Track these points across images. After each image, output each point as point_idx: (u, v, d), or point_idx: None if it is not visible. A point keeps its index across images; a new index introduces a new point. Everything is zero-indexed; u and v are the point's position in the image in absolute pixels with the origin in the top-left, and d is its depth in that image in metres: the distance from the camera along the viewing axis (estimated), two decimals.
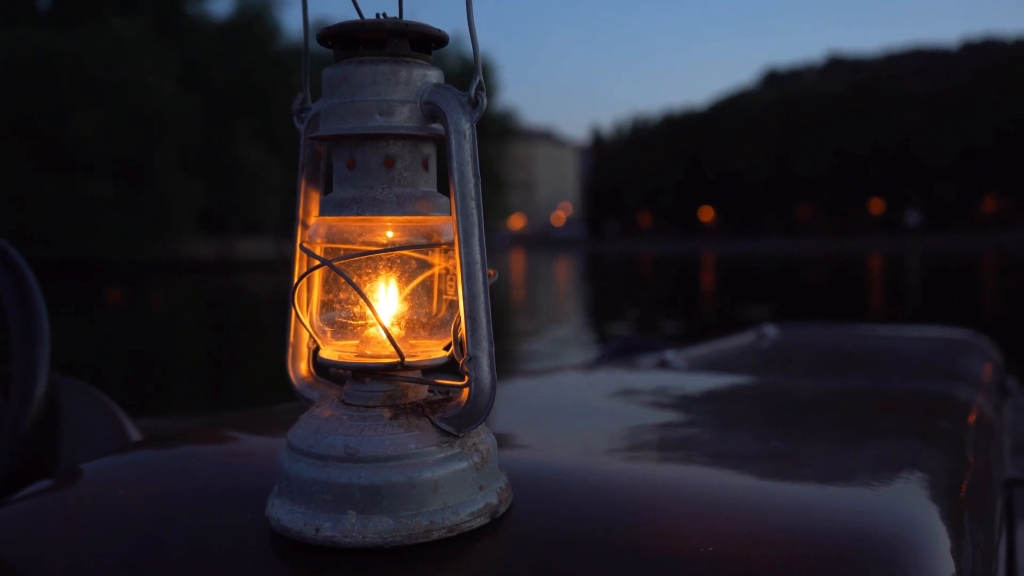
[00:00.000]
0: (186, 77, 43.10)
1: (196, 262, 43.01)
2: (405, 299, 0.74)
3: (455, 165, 0.69)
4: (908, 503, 0.83)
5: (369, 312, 0.72)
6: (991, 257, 42.90)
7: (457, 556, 0.68)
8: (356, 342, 0.75)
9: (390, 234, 0.73)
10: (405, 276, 0.74)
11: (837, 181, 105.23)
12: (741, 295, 22.13)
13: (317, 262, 0.73)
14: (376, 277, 0.73)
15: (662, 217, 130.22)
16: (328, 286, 0.75)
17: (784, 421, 1.28)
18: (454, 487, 0.70)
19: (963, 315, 13.39)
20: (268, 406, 1.42)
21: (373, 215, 0.71)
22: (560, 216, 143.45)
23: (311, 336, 0.80)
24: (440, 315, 0.75)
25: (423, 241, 0.72)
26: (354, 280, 0.71)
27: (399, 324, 0.74)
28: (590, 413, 1.33)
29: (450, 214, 0.71)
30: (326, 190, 0.78)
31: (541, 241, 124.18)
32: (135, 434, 1.23)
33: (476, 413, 0.71)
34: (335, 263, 0.72)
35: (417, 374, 0.75)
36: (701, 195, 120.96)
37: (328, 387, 0.81)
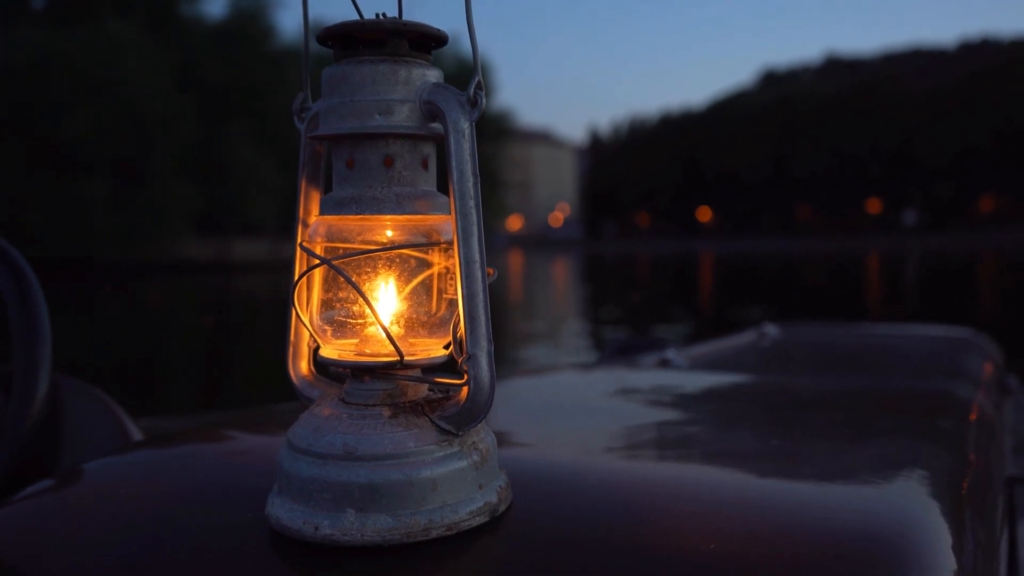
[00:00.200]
0: (181, 77, 43.06)
1: (192, 263, 42.91)
2: (404, 298, 0.74)
3: (454, 164, 0.69)
4: (909, 501, 0.83)
5: (369, 311, 0.72)
6: (989, 257, 42.92)
7: (456, 555, 0.68)
8: (356, 341, 0.75)
9: (389, 233, 0.73)
10: (404, 275, 0.74)
11: (835, 181, 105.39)
12: (740, 295, 22.13)
13: (317, 261, 0.73)
14: (376, 276, 0.73)
15: (660, 217, 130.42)
16: (328, 285, 0.75)
17: (785, 420, 1.28)
18: (453, 486, 0.70)
19: (963, 315, 13.39)
20: (268, 406, 1.41)
21: (372, 214, 0.72)
22: (558, 217, 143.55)
23: (311, 335, 0.80)
24: (439, 314, 0.75)
25: (422, 240, 0.72)
26: (354, 279, 0.71)
27: (398, 323, 0.74)
28: (591, 412, 1.33)
29: (449, 213, 0.71)
30: (326, 190, 0.78)
31: (539, 242, 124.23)
32: (136, 434, 1.23)
33: (475, 412, 0.71)
34: (335, 262, 0.72)
35: (416, 373, 0.75)
36: (699, 195, 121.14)
37: (328, 386, 0.81)
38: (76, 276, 27.66)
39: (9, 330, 1.09)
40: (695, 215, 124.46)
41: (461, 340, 0.71)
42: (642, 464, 0.97)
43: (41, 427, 1.07)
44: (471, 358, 0.70)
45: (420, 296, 0.74)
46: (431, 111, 0.71)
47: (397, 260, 0.73)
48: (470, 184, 0.70)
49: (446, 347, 0.75)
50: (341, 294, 0.74)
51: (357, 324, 0.74)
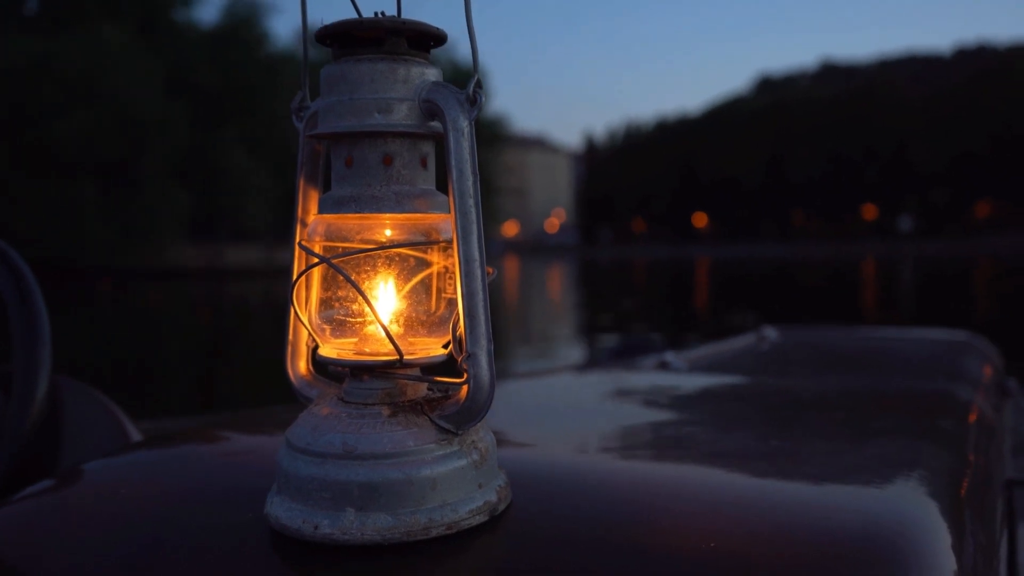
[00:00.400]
0: (173, 82, 42.87)
1: (184, 269, 42.77)
2: (404, 297, 0.74)
3: (453, 163, 0.69)
4: (909, 502, 0.83)
5: (368, 310, 0.72)
6: (985, 262, 42.96)
7: (456, 553, 0.68)
8: (355, 340, 0.74)
9: (388, 232, 0.72)
10: (404, 274, 0.73)
11: (831, 186, 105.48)
12: (737, 300, 22.15)
13: (316, 260, 0.73)
14: (375, 275, 0.73)
15: (656, 223, 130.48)
16: (327, 284, 0.75)
17: (784, 421, 1.27)
18: (453, 485, 0.70)
19: (960, 319, 13.40)
20: (267, 407, 1.41)
21: (372, 213, 0.71)
22: (553, 223, 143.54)
23: (310, 334, 0.79)
24: (439, 313, 0.75)
25: (422, 239, 0.72)
26: (353, 278, 0.71)
27: (398, 322, 0.74)
28: (590, 413, 1.33)
29: (449, 212, 0.71)
30: (324, 189, 0.78)
31: (535, 248, 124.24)
32: (135, 435, 1.23)
33: (475, 410, 0.71)
34: (334, 260, 0.72)
35: (416, 372, 0.74)
36: (695, 201, 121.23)
37: (327, 385, 0.81)
38: (67, 280, 27.64)
39: (9, 331, 1.09)
40: (691, 221, 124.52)
41: (461, 339, 0.70)
42: (641, 464, 0.97)
43: (41, 427, 1.07)
44: (471, 357, 0.69)
45: (419, 295, 0.74)
46: (430, 110, 0.71)
47: (396, 259, 0.73)
48: (469, 183, 0.70)
49: (445, 346, 0.75)
50: (340, 293, 0.74)
51: (356, 323, 0.74)
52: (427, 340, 0.75)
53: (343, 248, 0.73)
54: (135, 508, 0.82)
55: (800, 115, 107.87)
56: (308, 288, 0.76)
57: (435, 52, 0.74)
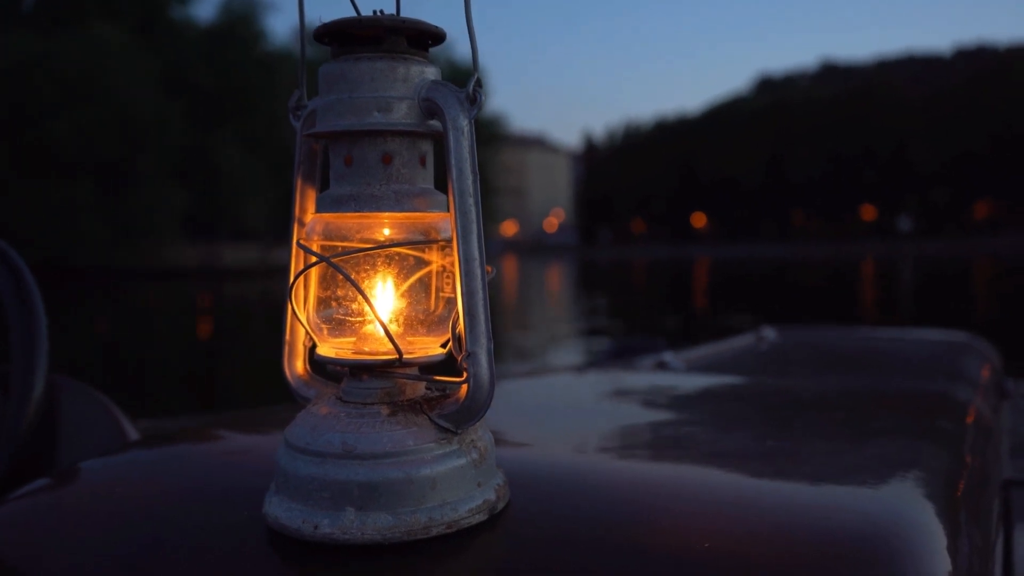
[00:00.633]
0: (170, 81, 42.83)
1: (181, 268, 42.70)
2: (403, 296, 0.74)
3: (453, 162, 0.69)
4: (906, 502, 0.83)
5: (367, 309, 0.72)
6: (985, 262, 42.97)
7: (456, 552, 0.68)
8: (353, 339, 0.74)
9: (387, 231, 0.72)
10: (403, 273, 0.73)
11: (831, 186, 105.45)
12: (736, 300, 22.14)
13: (314, 259, 0.73)
14: (374, 274, 0.73)
15: (655, 223, 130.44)
16: (325, 283, 0.74)
17: (782, 421, 1.27)
18: (453, 484, 0.70)
19: (960, 319, 13.41)
20: (265, 407, 1.41)
21: (371, 212, 0.71)
22: (553, 222, 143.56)
23: (307, 334, 0.79)
24: (438, 312, 0.75)
25: (421, 238, 0.72)
26: (352, 277, 0.71)
27: (397, 321, 0.74)
28: (588, 413, 1.33)
29: (447, 211, 0.71)
30: (322, 188, 0.77)
31: (533, 247, 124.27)
32: (133, 434, 1.23)
33: (475, 409, 0.71)
34: (333, 259, 0.71)
35: (415, 371, 0.74)
36: (694, 201, 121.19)
37: (324, 385, 0.81)
38: (63, 280, 27.62)
39: (7, 330, 1.09)
40: (690, 221, 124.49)
41: (460, 338, 0.70)
42: (640, 464, 0.97)
43: (39, 427, 1.07)
44: (471, 356, 0.70)
45: (418, 294, 0.74)
46: (430, 108, 0.71)
47: (396, 258, 0.73)
48: (469, 181, 0.70)
49: (444, 345, 0.75)
50: (339, 292, 0.74)
51: (355, 322, 0.74)
52: (426, 339, 0.75)
53: (342, 247, 0.72)
54: (133, 507, 0.82)
55: (800, 115, 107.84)
56: (306, 287, 0.76)
57: (433, 52, 0.74)
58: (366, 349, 0.74)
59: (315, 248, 0.73)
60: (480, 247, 0.70)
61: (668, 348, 2.54)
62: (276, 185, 41.99)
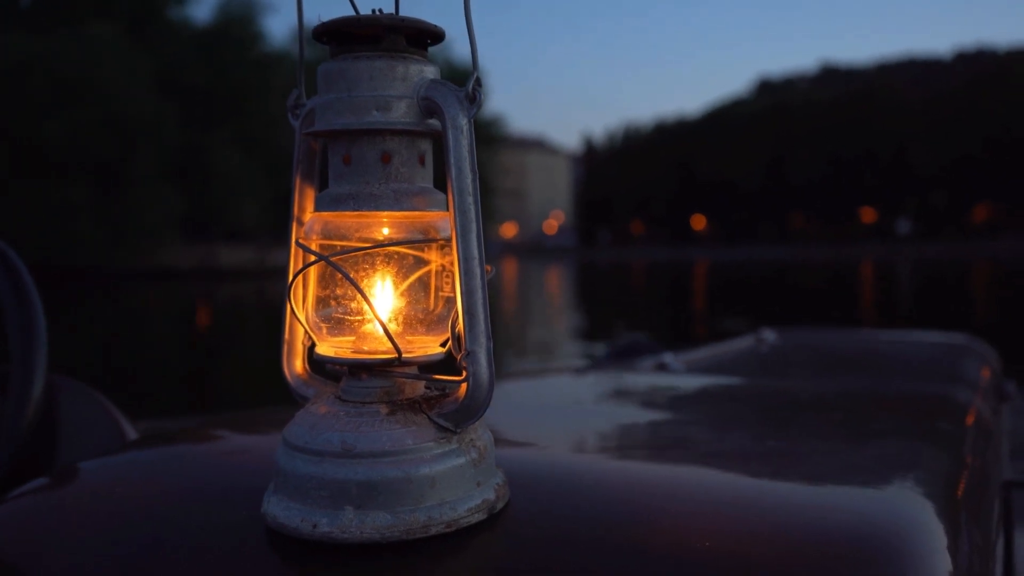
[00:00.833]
0: (165, 82, 42.72)
1: (177, 270, 42.57)
2: (402, 295, 0.73)
3: (452, 161, 0.69)
4: (907, 503, 0.83)
5: (366, 308, 0.72)
6: (984, 265, 42.96)
7: (455, 552, 0.68)
8: (352, 338, 0.74)
9: (386, 230, 0.72)
10: (402, 272, 0.73)
11: (831, 189, 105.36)
12: (735, 303, 22.14)
13: (313, 258, 0.73)
14: (373, 273, 0.73)
15: (654, 225, 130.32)
16: (324, 282, 0.74)
17: (782, 422, 1.27)
18: (452, 483, 0.70)
19: (961, 323, 13.40)
20: (264, 408, 1.41)
21: (370, 211, 0.71)
22: (552, 224, 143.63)
23: (306, 333, 0.79)
24: (437, 311, 0.75)
25: (420, 237, 0.72)
26: (350, 276, 0.71)
27: (396, 320, 0.73)
28: (588, 413, 1.33)
29: (447, 210, 0.71)
30: (320, 187, 0.77)
31: (533, 249, 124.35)
32: (132, 434, 1.23)
33: (474, 409, 0.71)
34: (332, 258, 0.71)
35: (414, 370, 0.74)
36: (693, 203, 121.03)
37: (323, 384, 0.81)
38: (62, 281, 27.58)
39: (6, 330, 1.09)
40: (690, 223, 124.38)
41: (459, 337, 0.70)
42: (640, 464, 0.96)
43: (38, 427, 1.07)
44: (470, 355, 0.69)
45: (417, 293, 0.74)
46: (429, 107, 0.71)
47: (395, 257, 0.73)
48: (468, 180, 0.69)
49: (443, 344, 0.75)
50: (338, 291, 0.73)
51: (354, 321, 0.73)
52: (425, 338, 0.75)
53: (340, 246, 0.72)
54: (132, 507, 0.81)
55: (799, 118, 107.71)
56: (305, 287, 0.76)
57: (431, 53, 0.74)
58: (365, 348, 0.74)
59: (314, 247, 0.73)
60: (479, 246, 0.69)
61: (668, 350, 2.54)
62: (272, 186, 41.93)
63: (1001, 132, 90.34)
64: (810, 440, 1.13)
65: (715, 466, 0.95)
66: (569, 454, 0.99)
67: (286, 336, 0.81)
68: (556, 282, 39.67)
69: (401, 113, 0.70)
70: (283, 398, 0.86)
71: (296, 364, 0.82)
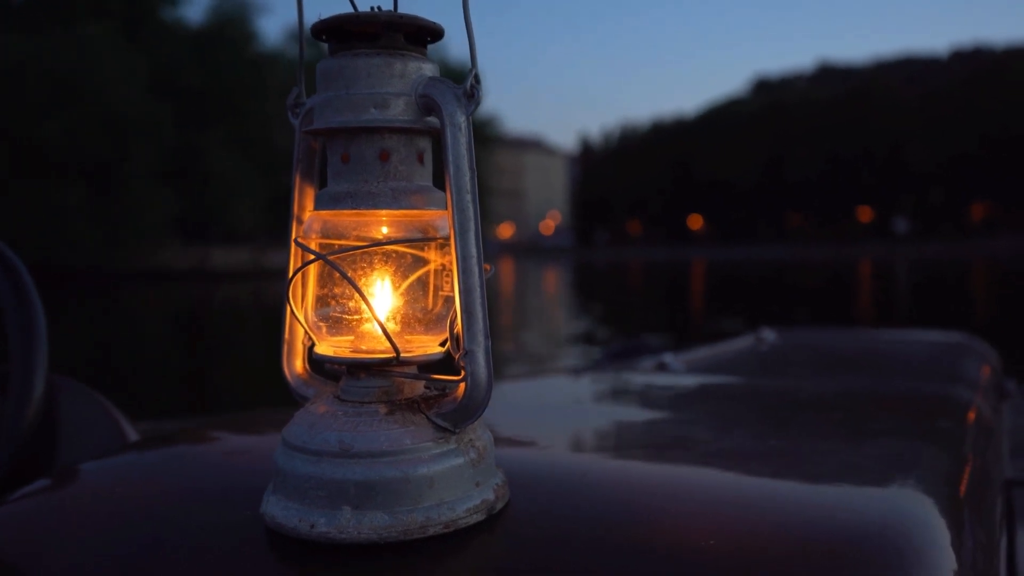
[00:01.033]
0: (160, 83, 42.69)
1: (172, 271, 42.45)
2: (401, 294, 0.73)
3: (451, 158, 0.69)
4: (908, 502, 0.82)
5: (364, 307, 0.71)
6: (981, 264, 43.00)
7: (453, 552, 0.67)
8: (351, 338, 0.74)
9: (385, 229, 0.72)
10: (401, 271, 0.73)
11: (828, 188, 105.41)
12: (733, 303, 22.14)
13: (312, 257, 0.73)
14: (371, 272, 0.72)
15: (651, 225, 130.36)
16: (323, 281, 0.74)
17: (783, 421, 1.27)
18: (450, 483, 0.70)
19: (959, 321, 13.41)
20: (264, 409, 1.41)
21: (368, 209, 0.71)
22: (549, 224, 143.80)
23: (306, 333, 0.79)
24: (436, 311, 0.74)
25: (418, 235, 0.72)
26: (349, 275, 0.71)
27: (394, 319, 0.73)
28: (588, 413, 1.34)
29: (446, 208, 0.71)
30: (321, 187, 0.77)
31: (530, 249, 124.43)
32: (133, 435, 1.23)
33: (472, 408, 0.70)
34: (330, 257, 0.71)
35: (413, 370, 0.74)
36: (690, 203, 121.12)
37: (323, 384, 0.80)
38: (58, 282, 27.53)
39: (6, 331, 1.09)
40: (686, 223, 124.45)
41: (458, 336, 0.70)
42: (640, 464, 0.96)
43: (38, 427, 1.06)
44: (468, 354, 0.69)
45: (416, 292, 0.74)
46: (427, 105, 0.70)
47: (393, 256, 0.73)
48: (467, 178, 0.69)
49: (442, 344, 0.75)
50: (336, 290, 0.73)
51: (353, 320, 0.73)
52: (424, 338, 0.74)
53: (339, 245, 0.72)
54: (132, 508, 0.81)
55: (797, 117, 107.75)
56: (304, 286, 0.75)
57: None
58: (364, 348, 0.73)
59: (313, 246, 0.73)
60: (478, 244, 0.69)
61: (668, 350, 2.54)
62: (269, 187, 41.87)
63: (998, 130, 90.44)
64: (811, 439, 1.13)
65: (716, 466, 0.95)
66: (569, 454, 1.00)
67: (286, 336, 0.81)
68: (553, 282, 39.67)
69: (399, 111, 0.70)
70: (283, 399, 0.86)
71: (296, 364, 0.81)
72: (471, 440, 0.73)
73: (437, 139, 0.72)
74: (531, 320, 19.27)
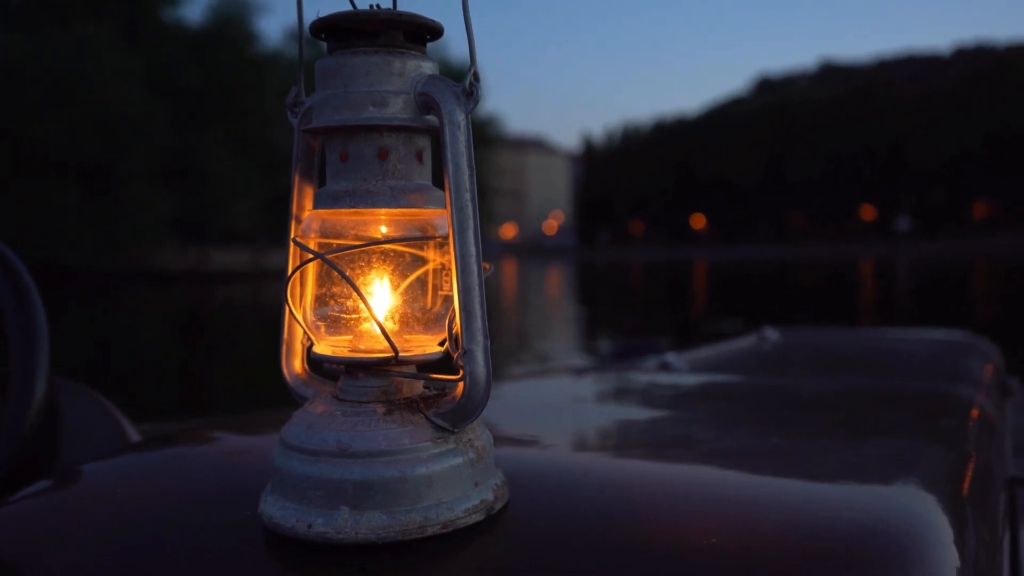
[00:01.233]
0: (158, 83, 42.60)
1: (170, 272, 42.36)
2: (399, 293, 0.73)
3: (450, 157, 0.68)
4: (912, 500, 0.82)
5: (363, 306, 0.71)
6: (983, 262, 42.98)
7: (452, 552, 0.67)
8: (350, 337, 0.74)
9: (384, 227, 0.72)
10: (399, 270, 0.72)
11: (830, 187, 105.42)
12: (735, 302, 22.13)
13: (310, 256, 0.72)
14: (370, 271, 0.72)
15: (653, 225, 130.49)
16: (322, 280, 0.74)
17: (786, 420, 1.27)
18: (449, 483, 0.69)
19: (961, 320, 13.40)
20: (264, 409, 1.41)
21: (367, 208, 0.70)
22: (552, 224, 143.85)
23: (305, 333, 0.78)
24: (435, 310, 0.74)
25: (417, 234, 0.71)
26: (347, 274, 0.70)
27: (393, 319, 0.73)
28: (589, 412, 1.33)
29: (445, 207, 0.70)
30: (320, 186, 0.76)
31: (532, 249, 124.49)
32: (134, 436, 1.23)
33: (471, 408, 0.70)
34: (328, 256, 0.71)
35: (411, 369, 0.74)
36: (692, 203, 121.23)
37: (322, 384, 0.80)
38: (58, 282, 27.52)
39: (6, 331, 1.08)
40: (689, 222, 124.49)
41: (456, 336, 0.69)
42: (640, 463, 0.96)
43: (39, 428, 1.06)
44: (467, 353, 0.68)
45: (415, 292, 0.73)
46: (426, 103, 0.70)
47: (392, 255, 0.72)
48: (466, 177, 0.69)
49: (441, 343, 0.74)
50: (335, 289, 0.73)
51: (351, 320, 0.73)
52: (423, 337, 0.74)
53: (338, 244, 0.72)
54: (133, 508, 0.81)
55: (799, 116, 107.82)
56: (303, 285, 0.75)
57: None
58: (362, 347, 0.73)
59: (311, 245, 0.73)
60: (476, 243, 0.69)
61: (670, 349, 2.53)
62: (267, 187, 41.80)
63: (1000, 128, 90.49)
64: (814, 438, 1.13)
65: (718, 465, 0.95)
66: (570, 454, 0.99)
67: (285, 336, 0.81)
68: (556, 282, 39.67)
69: (398, 109, 0.70)
70: (283, 399, 0.85)
71: (295, 364, 0.81)
72: (470, 440, 0.72)
73: (436, 137, 0.71)
74: (533, 320, 19.26)
